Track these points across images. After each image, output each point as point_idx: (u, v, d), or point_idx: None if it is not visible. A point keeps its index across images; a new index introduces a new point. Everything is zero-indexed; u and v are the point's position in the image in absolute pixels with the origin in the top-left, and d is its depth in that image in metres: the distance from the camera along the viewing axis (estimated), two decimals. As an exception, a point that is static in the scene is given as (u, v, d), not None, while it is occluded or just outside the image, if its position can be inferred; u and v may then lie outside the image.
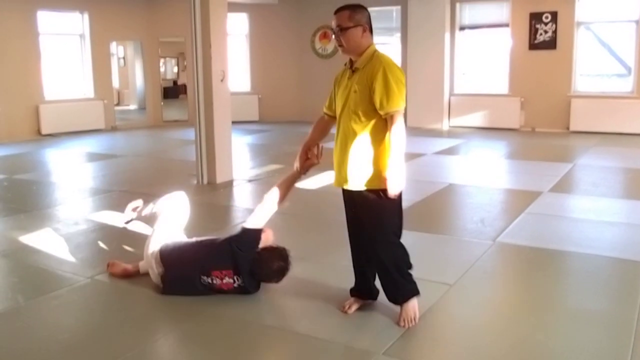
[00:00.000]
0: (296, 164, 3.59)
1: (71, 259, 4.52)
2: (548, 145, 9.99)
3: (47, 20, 11.85)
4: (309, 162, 3.56)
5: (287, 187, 3.65)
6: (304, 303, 3.69)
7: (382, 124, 3.17)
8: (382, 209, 3.25)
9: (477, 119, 12.18)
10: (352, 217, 3.43)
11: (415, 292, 3.38)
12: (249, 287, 3.72)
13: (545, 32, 11.45)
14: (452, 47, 12.38)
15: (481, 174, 7.78)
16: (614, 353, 3.08)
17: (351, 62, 3.31)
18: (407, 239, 4.92)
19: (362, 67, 3.22)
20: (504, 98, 11.99)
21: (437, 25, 12.09)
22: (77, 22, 12.42)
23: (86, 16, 12.37)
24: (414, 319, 3.34)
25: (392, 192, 3.12)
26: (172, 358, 3.19)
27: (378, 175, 3.17)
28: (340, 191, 3.44)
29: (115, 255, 4.56)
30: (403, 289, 3.37)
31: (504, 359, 3.01)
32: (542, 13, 11.40)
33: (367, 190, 3.22)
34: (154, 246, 3.90)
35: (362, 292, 3.57)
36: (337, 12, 3.24)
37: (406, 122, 12.54)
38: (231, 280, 3.69)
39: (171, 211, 4.11)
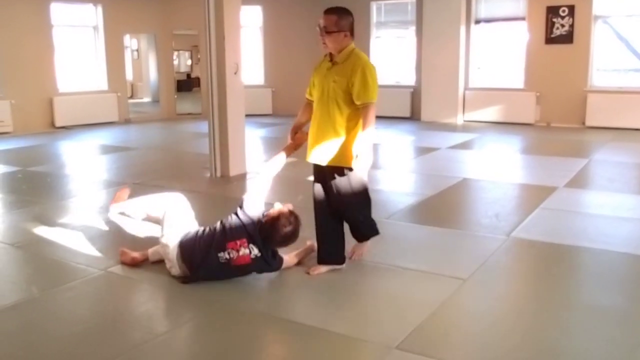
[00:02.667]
0: (289, 140, 4.15)
1: (85, 251, 4.54)
2: (563, 141, 9.89)
3: (60, 12, 11.88)
4: (300, 138, 4.08)
5: (278, 166, 4.06)
6: (316, 296, 3.68)
7: (357, 113, 3.70)
8: (348, 183, 3.80)
9: (491, 113, 12.08)
10: (320, 190, 3.92)
11: (375, 232, 4.09)
12: (266, 257, 3.75)
13: (562, 26, 11.31)
14: (467, 40, 12.27)
15: (496, 168, 7.71)
16: (628, 350, 3.04)
17: (331, 55, 3.81)
18: (421, 232, 4.97)
19: (342, 62, 3.73)
20: (519, 92, 11.88)
21: (453, 18, 11.98)
22: (90, 14, 12.45)
23: (100, 8, 12.40)
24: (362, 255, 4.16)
25: (357, 168, 3.70)
26: (185, 350, 3.19)
27: (349, 154, 3.70)
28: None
29: (129, 247, 4.57)
30: (368, 231, 4.07)
31: (517, 354, 2.98)
32: (559, 7, 11.26)
33: (339, 167, 3.75)
34: (173, 241, 3.90)
35: (330, 258, 3.97)
36: (325, 13, 3.73)
37: (420, 116, 12.55)
38: (247, 251, 3.72)
39: (172, 206, 4.10)
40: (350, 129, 3.71)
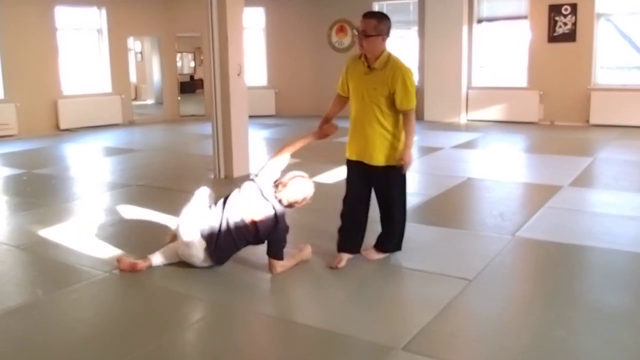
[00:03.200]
0: (317, 129, 4.25)
1: (90, 253, 4.54)
2: (567, 139, 9.87)
3: (64, 15, 11.92)
4: (328, 129, 4.18)
5: (301, 145, 4.18)
6: (322, 298, 3.68)
7: (398, 116, 3.95)
8: (398, 181, 4.07)
9: (495, 112, 12.07)
10: (360, 185, 4.12)
11: (399, 248, 4.32)
12: (276, 208, 3.94)
13: (565, 24, 11.29)
14: (469, 40, 12.26)
15: (500, 167, 7.70)
16: (636, 349, 3.03)
17: (366, 58, 3.90)
18: (426, 233, 4.96)
19: (380, 68, 3.86)
20: (522, 91, 11.86)
21: (455, 18, 11.97)
22: (94, 18, 12.49)
23: (104, 11, 12.43)
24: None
25: (407, 167, 3.95)
26: (190, 353, 3.19)
27: (394, 154, 3.94)
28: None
29: (134, 249, 4.58)
30: (398, 242, 4.28)
31: (524, 355, 2.97)
32: (562, 5, 11.24)
33: (390, 166, 3.96)
34: (191, 235, 3.94)
35: (353, 247, 4.17)
36: (365, 16, 3.84)
37: (423, 115, 12.51)
38: (261, 211, 3.93)
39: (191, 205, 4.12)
40: (395, 130, 3.95)
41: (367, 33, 3.79)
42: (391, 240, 4.24)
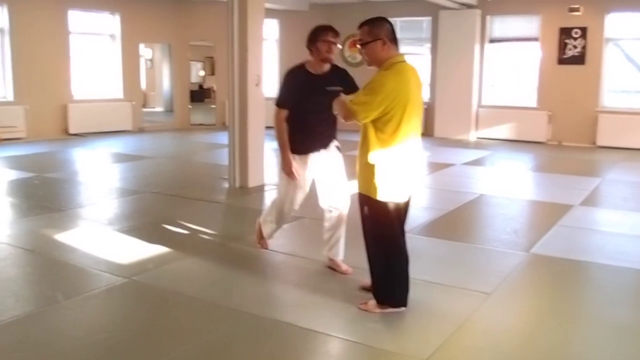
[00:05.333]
0: None
1: (108, 258, 4.55)
2: (575, 160, 9.93)
3: (77, 19, 11.97)
4: None
5: None
6: (342, 308, 3.70)
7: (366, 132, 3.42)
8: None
9: (504, 131, 12.14)
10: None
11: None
12: None
13: (575, 47, 11.41)
14: (481, 59, 12.37)
15: (511, 185, 7.75)
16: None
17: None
18: (443, 247, 5.00)
19: None
20: (531, 111, 11.94)
21: (467, 37, 12.09)
22: (108, 23, 12.56)
23: (117, 17, 12.49)
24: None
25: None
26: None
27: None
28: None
29: (153, 256, 4.61)
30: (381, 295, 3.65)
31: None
32: (572, 28, 11.37)
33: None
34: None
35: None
36: (359, 27, 3.45)
37: (433, 132, 12.59)
38: None
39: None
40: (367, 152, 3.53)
41: (364, 40, 3.42)
42: (374, 285, 3.69)
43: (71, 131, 11.72)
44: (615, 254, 4.80)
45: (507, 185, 7.78)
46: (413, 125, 3.42)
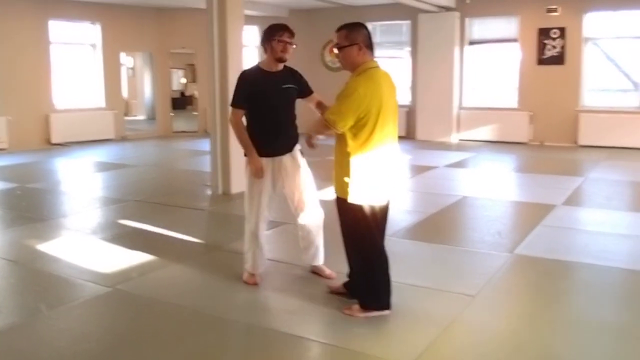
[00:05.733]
0: None
1: (91, 267, 4.53)
2: (557, 159, 10.02)
3: (58, 29, 11.92)
4: None
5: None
6: (328, 314, 3.70)
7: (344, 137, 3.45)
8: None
9: (486, 132, 12.22)
10: None
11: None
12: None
13: (554, 47, 11.52)
14: (461, 61, 12.45)
15: (493, 186, 7.80)
16: (640, 365, 3.09)
17: None
18: (426, 250, 5.02)
19: None
20: (512, 112, 12.04)
21: (447, 39, 12.17)
22: (88, 32, 12.51)
23: (98, 26, 12.46)
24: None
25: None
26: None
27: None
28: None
29: (136, 264, 4.58)
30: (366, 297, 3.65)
31: (532, 370, 3.03)
32: (551, 29, 11.48)
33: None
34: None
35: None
36: (337, 30, 3.48)
37: (415, 134, 12.59)
38: None
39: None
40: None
41: (340, 44, 3.45)
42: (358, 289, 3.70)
43: (54, 141, 11.64)
44: (599, 253, 4.84)
45: (490, 186, 7.83)
46: (388, 129, 3.47)
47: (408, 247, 5.13)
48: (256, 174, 3.99)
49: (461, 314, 3.66)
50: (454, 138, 12.41)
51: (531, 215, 6.16)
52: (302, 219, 4.17)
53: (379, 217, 3.58)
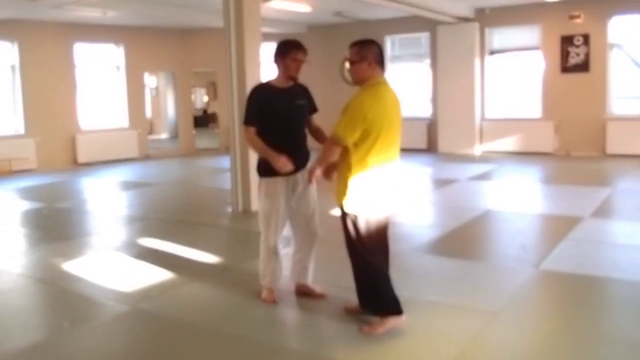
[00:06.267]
0: None
1: (113, 286, 4.56)
2: (584, 169, 9.83)
3: (83, 52, 12.18)
4: None
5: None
6: (350, 331, 3.64)
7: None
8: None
9: (509, 143, 12.07)
10: None
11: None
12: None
13: (577, 54, 11.36)
14: (482, 71, 12.36)
15: (517, 199, 7.67)
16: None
17: None
18: (448, 265, 4.94)
19: None
20: (536, 122, 11.88)
21: (467, 50, 12.10)
22: (113, 54, 12.74)
23: (122, 48, 12.69)
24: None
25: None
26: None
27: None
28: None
29: (157, 282, 4.59)
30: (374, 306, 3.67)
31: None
32: (574, 36, 11.33)
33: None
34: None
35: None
36: (350, 47, 3.61)
37: (437, 147, 12.48)
38: None
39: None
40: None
41: (351, 59, 3.58)
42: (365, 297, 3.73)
43: (80, 161, 11.87)
44: (629, 267, 4.70)
45: (514, 199, 7.70)
46: (390, 144, 3.54)
47: (429, 262, 5.05)
48: (285, 165, 3.81)
49: (483, 332, 3.58)
50: (477, 150, 12.28)
51: (557, 228, 6.03)
52: (304, 238, 4.13)
53: (376, 230, 3.60)
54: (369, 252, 3.58)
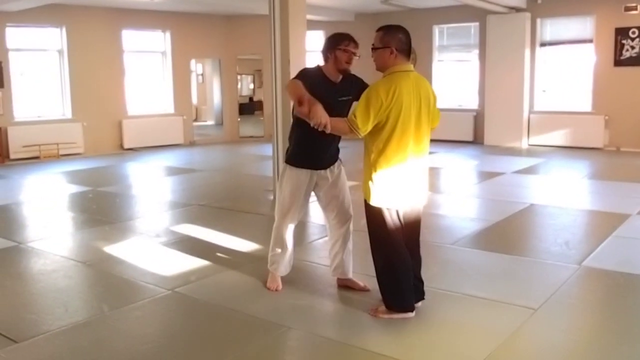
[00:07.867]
0: None
1: (153, 270, 4.64)
2: (634, 166, 9.52)
3: (131, 38, 12.40)
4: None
5: None
6: (385, 324, 3.62)
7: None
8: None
9: (558, 137, 11.78)
10: None
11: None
12: None
13: (632, 47, 10.98)
14: (532, 63, 12.06)
15: (563, 194, 7.47)
16: None
17: None
18: (489, 259, 4.85)
19: None
20: (586, 116, 11.55)
21: (517, 41, 11.82)
22: (159, 40, 12.92)
23: (168, 35, 12.86)
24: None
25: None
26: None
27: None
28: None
29: (196, 268, 4.65)
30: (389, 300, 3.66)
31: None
32: (629, 28, 10.94)
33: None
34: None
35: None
36: (376, 31, 3.51)
37: (483, 139, 12.30)
38: None
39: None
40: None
41: (374, 45, 3.48)
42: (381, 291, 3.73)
43: (126, 146, 12.11)
44: (676, 267, 4.54)
45: (560, 194, 7.50)
46: (412, 134, 3.42)
47: (470, 256, 4.97)
48: (325, 124, 3.33)
49: (521, 328, 3.50)
50: (524, 143, 12.02)
51: (603, 225, 5.86)
52: (339, 224, 4.08)
53: (401, 222, 3.55)
54: (395, 244, 3.53)
